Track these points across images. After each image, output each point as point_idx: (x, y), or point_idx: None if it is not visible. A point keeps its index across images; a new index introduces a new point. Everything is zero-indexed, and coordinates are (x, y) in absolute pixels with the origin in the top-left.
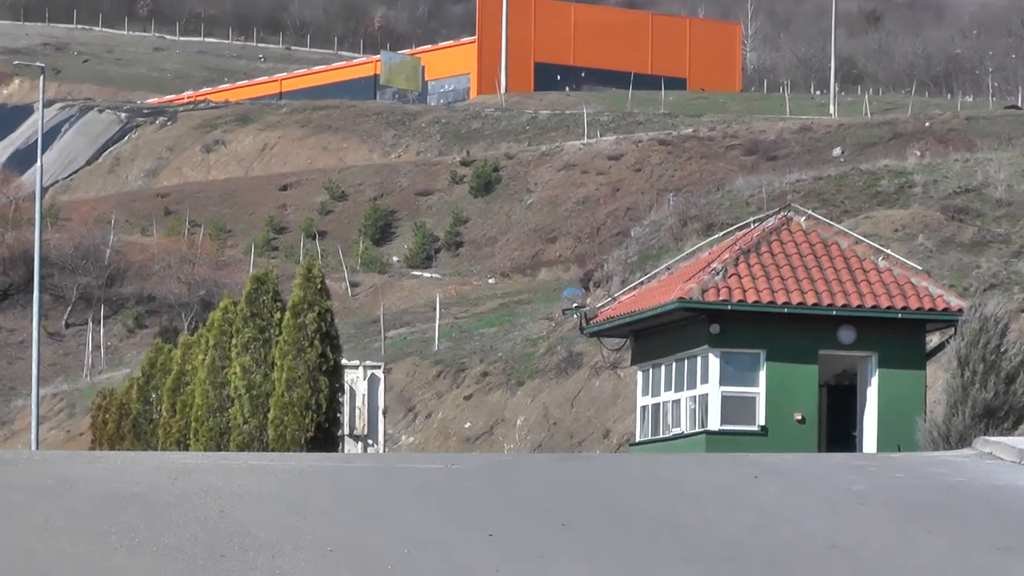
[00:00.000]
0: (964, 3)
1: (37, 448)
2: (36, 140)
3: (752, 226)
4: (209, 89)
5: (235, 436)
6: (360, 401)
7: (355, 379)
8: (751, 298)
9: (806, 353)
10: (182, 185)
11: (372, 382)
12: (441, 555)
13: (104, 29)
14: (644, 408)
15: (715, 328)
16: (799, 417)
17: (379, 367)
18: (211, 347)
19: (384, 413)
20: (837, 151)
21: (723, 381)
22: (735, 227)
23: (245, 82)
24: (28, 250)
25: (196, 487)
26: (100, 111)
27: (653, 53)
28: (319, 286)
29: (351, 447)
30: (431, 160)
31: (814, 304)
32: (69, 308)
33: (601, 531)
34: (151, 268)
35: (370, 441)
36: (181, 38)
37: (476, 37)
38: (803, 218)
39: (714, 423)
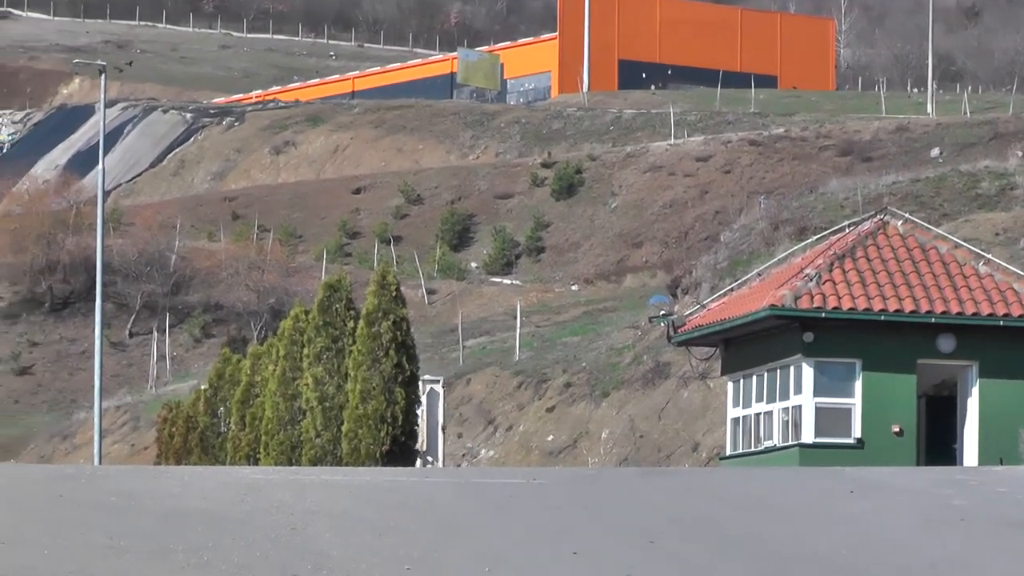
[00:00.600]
0: None
1: (100, 463)
2: (98, 142)
3: (847, 230)
4: (278, 88)
5: (307, 450)
6: (419, 416)
7: None
8: (846, 305)
9: (904, 362)
10: (250, 188)
11: (431, 397)
12: (523, 574)
13: (168, 26)
14: (735, 420)
15: (808, 336)
16: (897, 429)
17: (438, 381)
18: (282, 357)
19: (443, 429)
20: (935, 152)
21: (817, 392)
22: (829, 231)
23: (316, 81)
24: (90, 256)
25: (266, 504)
26: (164, 111)
27: (743, 49)
28: (394, 294)
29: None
30: (511, 162)
31: (912, 311)
32: (133, 317)
33: (689, 549)
34: (218, 275)
35: (429, 457)
36: (248, 35)
37: (557, 33)
38: (900, 222)
39: (808, 436)
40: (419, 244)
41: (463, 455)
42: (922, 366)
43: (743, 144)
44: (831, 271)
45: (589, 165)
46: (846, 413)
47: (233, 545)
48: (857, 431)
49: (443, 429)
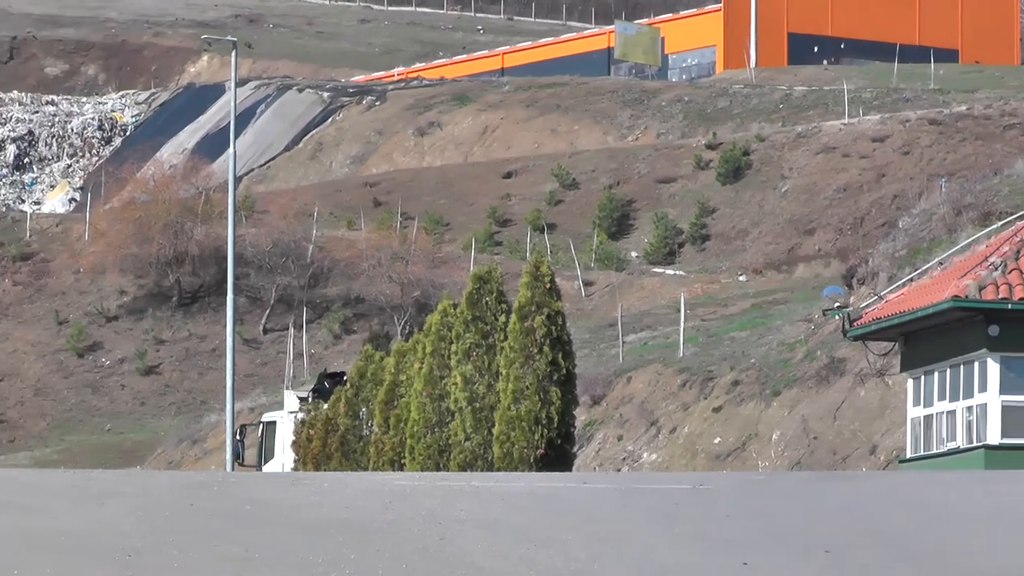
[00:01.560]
0: None
1: (233, 469)
2: (228, 124)
3: None
4: (422, 65)
5: (456, 454)
6: None
7: None
8: None
9: None
10: (392, 173)
11: None
12: None
13: None
14: (915, 420)
15: (994, 330)
16: None
17: None
18: (428, 355)
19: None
20: None
21: (1004, 389)
22: (1015, 216)
23: (462, 57)
24: (221, 247)
25: (413, 512)
26: (300, 91)
27: (921, 22)
28: (548, 285)
29: None
30: (673, 143)
31: None
32: (267, 312)
33: (867, 560)
34: (359, 266)
35: None
36: (390, 8)
37: (722, 4)
38: None
39: (994, 436)
40: (575, 232)
41: (623, 459)
42: None
43: (922, 123)
44: (1017, 259)
45: (757, 146)
46: None
47: (377, 557)
48: None
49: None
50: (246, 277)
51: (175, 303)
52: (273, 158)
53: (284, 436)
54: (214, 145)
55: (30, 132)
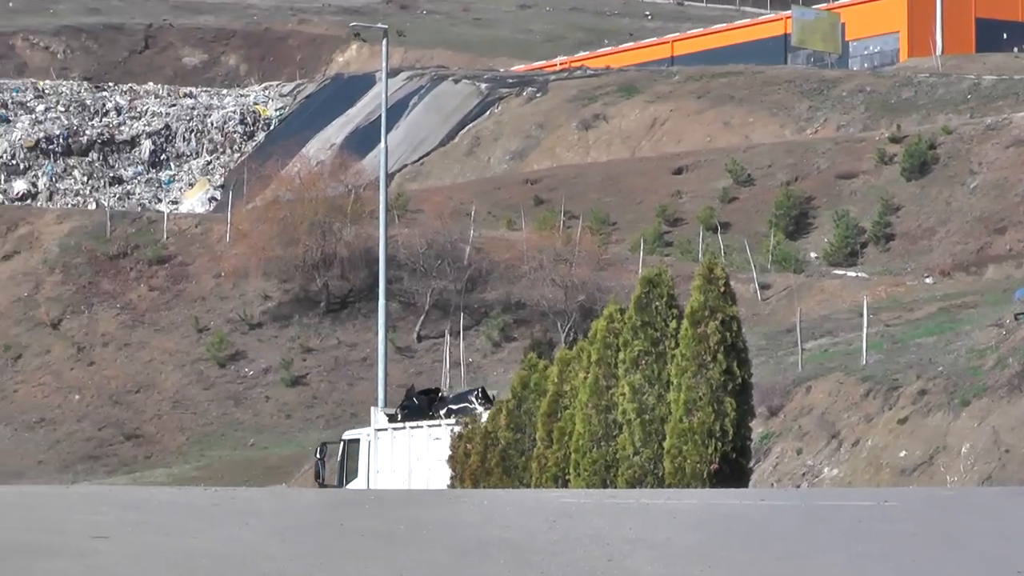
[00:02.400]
0: None
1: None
2: (379, 117)
3: None
4: (586, 54)
5: (624, 470)
6: None
7: None
8: None
9: None
10: (555, 169)
11: None
12: None
13: None
14: None
15: None
16: None
17: None
18: (593, 363)
19: None
20: None
21: None
22: None
23: (629, 45)
24: (372, 249)
25: (578, 532)
26: (455, 81)
27: None
28: (722, 289)
29: None
30: (854, 136)
31: None
32: (422, 318)
33: None
34: (519, 269)
35: None
36: None
37: None
38: None
39: None
40: (750, 232)
41: (803, 474)
42: None
43: None
44: None
45: (944, 139)
46: None
47: None
48: None
49: None
50: (399, 281)
51: (323, 309)
52: (427, 153)
53: (370, 454)
54: (364, 140)
55: (167, 127)
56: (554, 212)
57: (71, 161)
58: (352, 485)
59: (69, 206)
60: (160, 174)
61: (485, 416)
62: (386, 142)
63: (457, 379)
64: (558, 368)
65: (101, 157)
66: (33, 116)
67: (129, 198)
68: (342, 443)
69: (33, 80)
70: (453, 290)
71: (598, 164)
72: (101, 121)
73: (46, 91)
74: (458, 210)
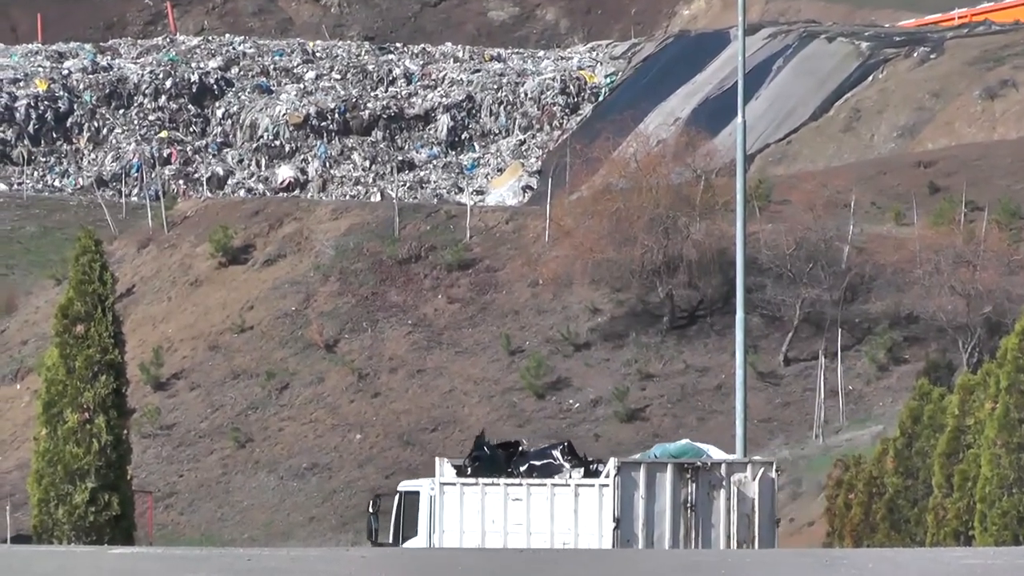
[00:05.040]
0: None
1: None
2: (734, 85)
3: None
4: (990, 4)
5: None
6: (750, 507)
7: (744, 479)
8: None
9: None
10: (953, 149)
11: (764, 483)
12: None
13: None
14: None
15: None
16: None
17: (771, 464)
18: (1003, 391)
19: (777, 523)
20: None
21: None
22: None
23: None
24: (726, 250)
25: None
26: (829, 40)
27: None
28: None
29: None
30: None
31: None
32: (789, 336)
33: None
34: (911, 274)
35: None
36: None
37: None
38: None
39: None
40: None
41: None
42: None
43: None
44: None
45: None
46: None
47: None
48: None
49: (777, 523)
50: (760, 289)
51: (666, 325)
52: (795, 130)
53: (432, 510)
54: (716, 113)
55: (469, 98)
56: (953, 203)
57: (349, 141)
58: (410, 543)
59: (347, 198)
60: (461, 157)
61: (574, 475)
62: (744, 116)
63: (834, 411)
64: (959, 397)
65: (387, 136)
66: (301, 86)
67: (422, 187)
68: (398, 495)
69: (301, 41)
70: (828, 301)
71: (1007, 142)
72: (386, 91)
73: (317, 54)
74: (834, 200)
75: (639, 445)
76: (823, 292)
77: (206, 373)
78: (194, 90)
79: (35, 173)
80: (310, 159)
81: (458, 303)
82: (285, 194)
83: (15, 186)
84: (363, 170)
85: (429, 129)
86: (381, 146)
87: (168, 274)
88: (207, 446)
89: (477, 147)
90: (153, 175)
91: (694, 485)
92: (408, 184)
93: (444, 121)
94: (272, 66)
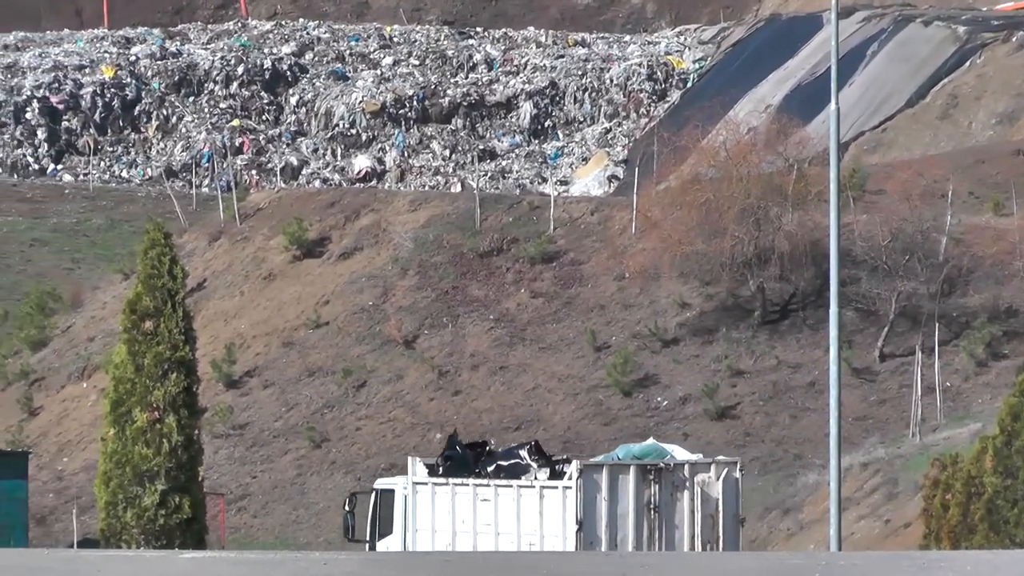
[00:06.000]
0: None
1: (839, 548)
2: (827, 70)
3: None
4: None
5: None
6: (714, 507)
7: (707, 479)
8: None
9: None
10: None
11: (727, 483)
12: None
13: None
14: None
15: None
16: None
17: (735, 463)
18: None
19: (742, 522)
20: None
21: None
22: None
23: None
24: (819, 241)
25: None
26: (925, 24)
27: None
28: None
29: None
30: None
31: None
32: (885, 331)
33: None
34: (1011, 266)
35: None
36: None
37: None
38: None
39: None
40: None
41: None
42: None
43: None
44: None
45: None
46: None
47: None
48: None
49: (742, 523)
50: (855, 283)
51: (757, 320)
52: (890, 117)
53: (406, 509)
54: (809, 100)
55: (553, 84)
56: None
57: (428, 130)
58: (385, 541)
59: (426, 188)
60: (544, 146)
61: (539, 476)
62: (837, 103)
63: (931, 408)
64: None
65: (467, 125)
66: (378, 72)
67: (504, 177)
68: (374, 493)
69: (378, 25)
70: (925, 294)
71: None
72: (467, 78)
73: (395, 39)
74: (931, 190)
75: (729, 444)
76: (919, 285)
77: (280, 370)
78: (267, 77)
79: (102, 163)
80: (387, 148)
81: (541, 297)
82: (362, 185)
83: (81, 177)
84: (443, 159)
85: (511, 117)
86: (461, 134)
87: (240, 268)
88: (281, 446)
89: (561, 135)
90: (224, 165)
91: (657, 486)
92: (489, 174)
93: (527, 108)
94: (348, 52)
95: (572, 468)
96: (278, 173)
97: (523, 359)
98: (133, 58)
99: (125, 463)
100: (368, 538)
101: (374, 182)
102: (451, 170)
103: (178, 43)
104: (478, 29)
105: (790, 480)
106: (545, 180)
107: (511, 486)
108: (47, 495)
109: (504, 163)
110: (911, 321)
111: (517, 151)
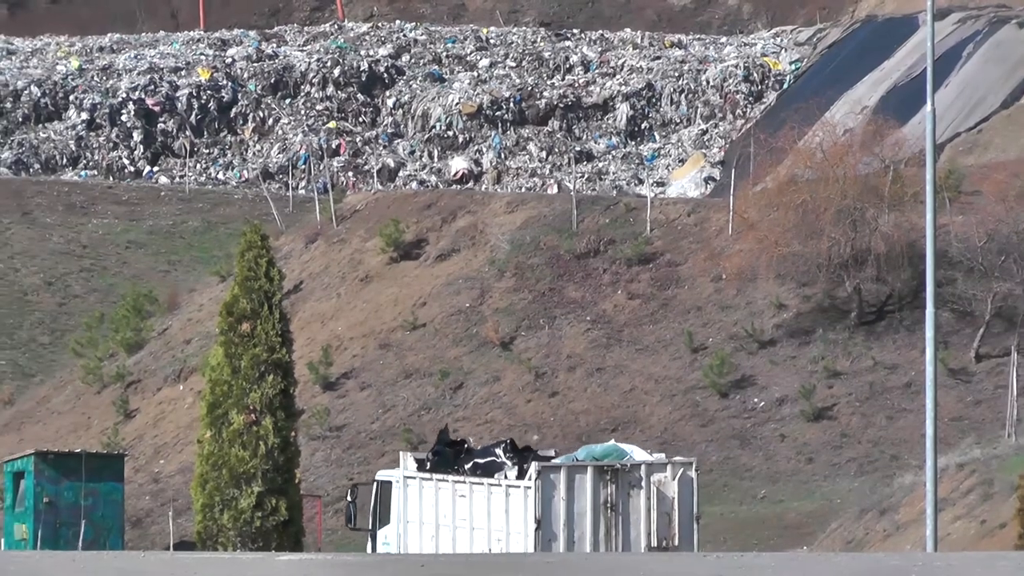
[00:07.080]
0: None
1: (935, 549)
2: (923, 72)
3: None
4: None
5: None
6: (670, 506)
7: (663, 479)
8: None
9: None
10: None
11: (683, 483)
12: None
13: None
14: None
15: None
16: None
17: (691, 463)
18: None
19: (698, 520)
20: None
21: None
22: None
23: None
24: (916, 243)
25: None
26: (1020, 25)
27: None
28: None
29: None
30: None
31: None
32: (981, 331)
33: None
34: None
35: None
36: None
37: None
38: None
39: None
40: None
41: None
42: None
43: None
44: None
45: None
46: None
47: None
48: None
49: (698, 520)
50: (951, 284)
51: (854, 321)
52: (985, 118)
53: (400, 501)
54: (905, 101)
55: (649, 86)
56: None
57: (525, 132)
58: (385, 531)
59: (523, 190)
60: (641, 148)
61: (509, 475)
62: (933, 104)
63: None
64: None
65: (564, 126)
66: (475, 74)
67: (601, 179)
68: (375, 484)
69: (475, 27)
70: (1021, 295)
71: None
72: (563, 80)
73: (491, 41)
74: None
75: (826, 445)
76: (1015, 286)
77: (377, 372)
78: (363, 79)
79: (198, 165)
80: (484, 150)
81: (638, 299)
82: (458, 186)
83: (177, 179)
84: (539, 161)
85: (608, 118)
86: (558, 136)
87: (337, 270)
88: (378, 448)
89: (657, 137)
90: (321, 167)
91: (614, 486)
92: (586, 175)
93: (623, 110)
94: (444, 53)
95: (531, 468)
96: (375, 175)
97: (620, 360)
98: (229, 60)
99: (222, 465)
100: (369, 527)
101: (471, 184)
102: (547, 172)
103: (274, 45)
104: (575, 31)
105: (886, 481)
106: (641, 182)
107: (483, 484)
108: (143, 497)
109: (600, 165)
110: (1007, 322)
111: (613, 153)
